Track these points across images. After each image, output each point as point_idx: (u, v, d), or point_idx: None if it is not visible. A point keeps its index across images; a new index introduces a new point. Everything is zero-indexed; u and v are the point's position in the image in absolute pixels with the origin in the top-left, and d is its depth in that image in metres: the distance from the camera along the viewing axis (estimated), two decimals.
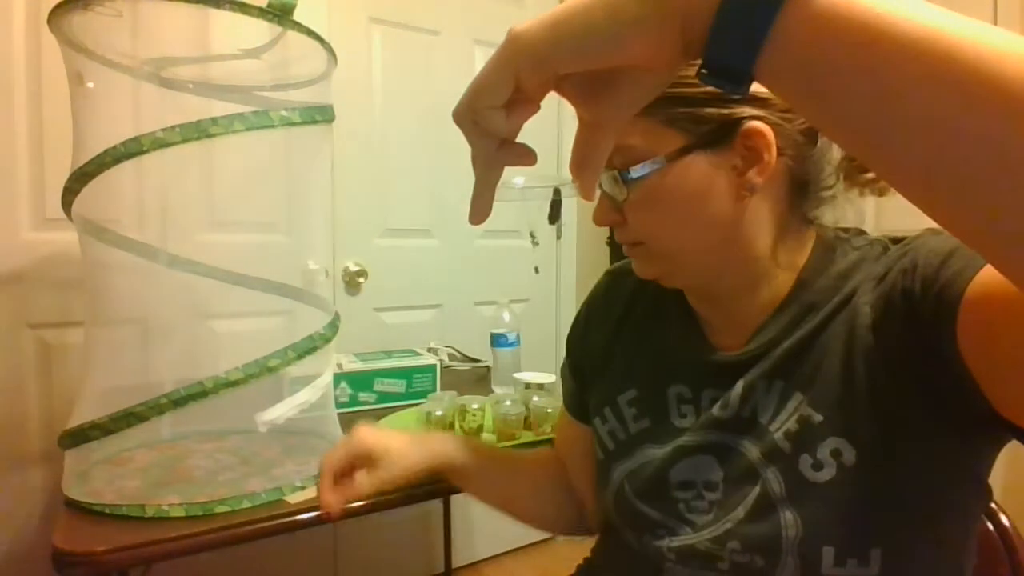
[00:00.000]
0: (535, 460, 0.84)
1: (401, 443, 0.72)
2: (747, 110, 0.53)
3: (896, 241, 0.57)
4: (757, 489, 0.54)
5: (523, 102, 0.33)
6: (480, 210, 0.37)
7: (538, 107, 0.34)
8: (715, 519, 0.57)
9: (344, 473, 0.71)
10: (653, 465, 0.62)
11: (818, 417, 0.53)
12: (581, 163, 0.35)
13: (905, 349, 0.49)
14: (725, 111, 0.53)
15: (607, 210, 0.60)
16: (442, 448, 0.74)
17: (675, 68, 0.32)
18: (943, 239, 0.50)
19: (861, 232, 0.61)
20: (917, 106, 0.26)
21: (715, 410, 0.59)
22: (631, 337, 0.70)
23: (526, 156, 0.37)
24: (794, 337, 0.56)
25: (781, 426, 0.55)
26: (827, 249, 0.59)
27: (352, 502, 0.72)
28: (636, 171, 0.54)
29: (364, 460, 0.71)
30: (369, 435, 0.72)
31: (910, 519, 0.50)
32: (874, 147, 0.29)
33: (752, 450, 0.56)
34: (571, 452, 0.79)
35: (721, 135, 0.54)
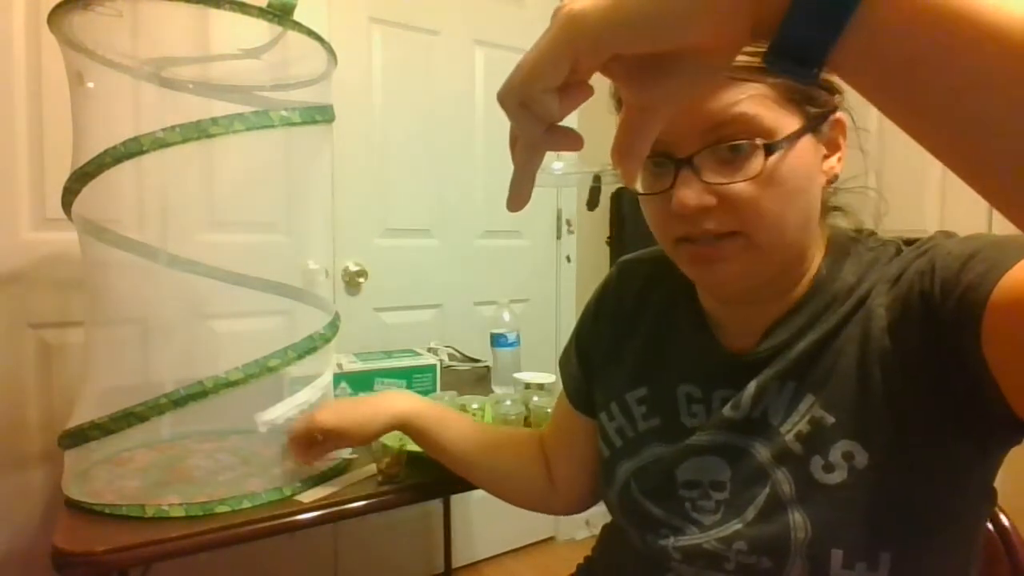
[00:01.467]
0: (506, 436, 0.86)
1: (356, 418, 0.82)
2: (838, 97, 0.52)
3: (909, 242, 0.56)
4: (767, 490, 0.54)
5: (576, 85, 0.31)
6: (520, 196, 0.35)
7: (592, 90, 0.32)
8: (723, 519, 0.56)
9: (308, 443, 0.84)
10: (661, 463, 0.61)
11: (830, 419, 0.52)
12: (627, 149, 0.33)
13: (922, 352, 0.49)
14: (829, 96, 0.52)
15: (702, 191, 0.51)
16: (398, 411, 0.83)
17: (738, 50, 0.30)
18: (960, 241, 0.49)
19: (873, 233, 0.60)
20: (1001, 96, 0.25)
21: (726, 411, 0.58)
22: (641, 334, 0.69)
23: (575, 141, 0.34)
24: (808, 339, 0.55)
25: (792, 428, 0.54)
26: (841, 250, 0.58)
27: (319, 459, 0.89)
28: (778, 145, 0.50)
29: (330, 437, 0.82)
30: (329, 419, 0.82)
31: (920, 523, 0.50)
32: (952, 138, 0.28)
33: (762, 451, 0.55)
34: (565, 441, 0.78)
35: (821, 120, 0.52)
